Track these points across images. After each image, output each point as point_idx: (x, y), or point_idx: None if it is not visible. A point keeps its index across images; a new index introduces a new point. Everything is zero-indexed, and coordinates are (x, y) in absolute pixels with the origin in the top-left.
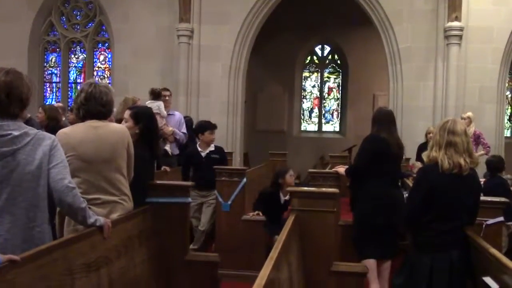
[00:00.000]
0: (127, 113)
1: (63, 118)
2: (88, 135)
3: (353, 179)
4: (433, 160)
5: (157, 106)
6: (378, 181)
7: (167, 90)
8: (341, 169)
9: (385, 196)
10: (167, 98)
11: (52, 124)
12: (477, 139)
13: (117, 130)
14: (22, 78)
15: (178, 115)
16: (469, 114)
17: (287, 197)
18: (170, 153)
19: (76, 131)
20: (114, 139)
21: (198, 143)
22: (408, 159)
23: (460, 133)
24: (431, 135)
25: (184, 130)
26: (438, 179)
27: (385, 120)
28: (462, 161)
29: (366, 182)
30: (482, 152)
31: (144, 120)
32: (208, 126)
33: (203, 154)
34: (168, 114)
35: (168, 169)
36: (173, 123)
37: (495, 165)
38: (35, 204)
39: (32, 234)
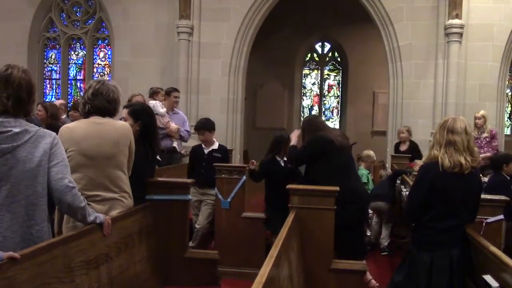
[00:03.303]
0: (124, 112)
1: (64, 116)
2: (91, 130)
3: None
4: (433, 159)
5: (152, 105)
6: (344, 181)
7: (177, 91)
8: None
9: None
10: (178, 99)
11: (53, 122)
12: (492, 138)
13: (120, 127)
14: (31, 76)
15: (182, 114)
16: (483, 112)
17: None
18: (178, 149)
19: (80, 127)
20: (116, 135)
21: None
22: (408, 157)
23: (459, 131)
24: (402, 135)
25: (187, 128)
26: (439, 178)
27: (313, 125)
28: (462, 160)
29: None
30: (488, 154)
31: (143, 117)
32: (195, 127)
33: (205, 151)
34: (173, 113)
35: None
36: (177, 121)
37: (494, 162)
38: (34, 202)
39: (31, 232)
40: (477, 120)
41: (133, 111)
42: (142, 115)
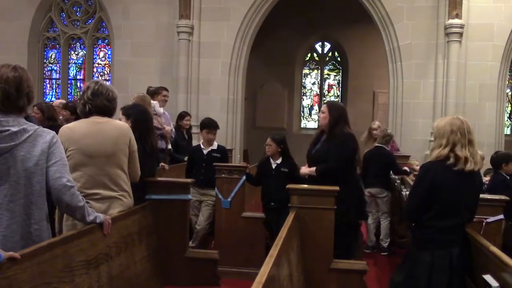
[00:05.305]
0: (121, 113)
1: (60, 116)
2: (90, 130)
3: (326, 179)
4: (438, 158)
5: (152, 105)
6: (357, 179)
7: (167, 90)
8: (306, 170)
9: (363, 193)
10: (167, 98)
11: (50, 123)
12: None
13: (120, 126)
14: (27, 74)
15: (167, 114)
16: (378, 123)
17: (278, 161)
18: (171, 150)
19: (80, 126)
20: (116, 134)
21: (202, 140)
22: (408, 157)
23: (472, 132)
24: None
25: (172, 128)
26: (441, 176)
27: (346, 117)
28: (478, 158)
29: (345, 181)
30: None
31: (134, 114)
32: (206, 125)
33: (204, 152)
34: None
35: (166, 166)
36: (167, 121)
37: (494, 161)
38: (33, 201)
39: (30, 231)
40: (374, 131)
41: (126, 110)
42: (133, 113)
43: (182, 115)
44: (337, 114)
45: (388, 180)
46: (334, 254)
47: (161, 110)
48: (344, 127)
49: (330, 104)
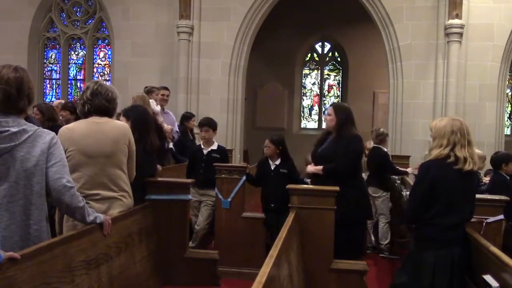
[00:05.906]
0: (121, 115)
1: (60, 117)
2: (90, 130)
3: (331, 179)
4: (438, 157)
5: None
6: (360, 179)
7: (167, 89)
8: (312, 168)
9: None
10: (166, 97)
11: (50, 124)
12: None
13: (119, 126)
14: (28, 75)
15: (171, 114)
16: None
17: (277, 162)
18: (173, 150)
19: (79, 127)
20: (115, 134)
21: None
22: (408, 157)
23: (471, 133)
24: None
25: (177, 128)
26: (442, 174)
27: (353, 118)
28: (476, 158)
29: (348, 181)
30: None
31: (134, 115)
32: (199, 123)
33: (204, 152)
34: (164, 113)
35: (159, 167)
36: (169, 121)
37: (494, 162)
38: (32, 201)
39: (29, 231)
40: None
41: (126, 111)
42: (133, 113)
43: (188, 117)
44: (343, 116)
45: (383, 180)
46: (334, 254)
47: (157, 108)
48: (351, 129)
49: (336, 106)
